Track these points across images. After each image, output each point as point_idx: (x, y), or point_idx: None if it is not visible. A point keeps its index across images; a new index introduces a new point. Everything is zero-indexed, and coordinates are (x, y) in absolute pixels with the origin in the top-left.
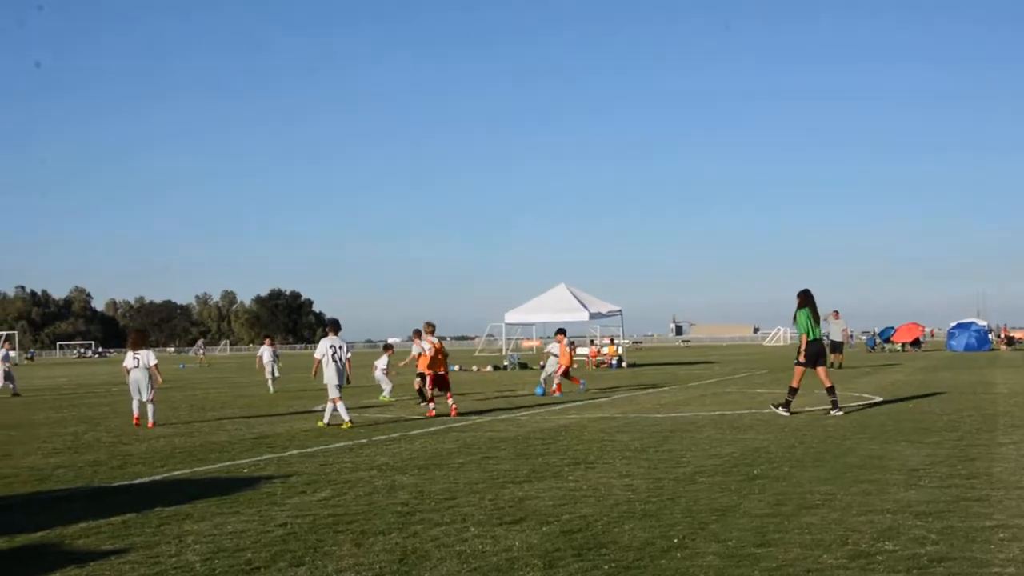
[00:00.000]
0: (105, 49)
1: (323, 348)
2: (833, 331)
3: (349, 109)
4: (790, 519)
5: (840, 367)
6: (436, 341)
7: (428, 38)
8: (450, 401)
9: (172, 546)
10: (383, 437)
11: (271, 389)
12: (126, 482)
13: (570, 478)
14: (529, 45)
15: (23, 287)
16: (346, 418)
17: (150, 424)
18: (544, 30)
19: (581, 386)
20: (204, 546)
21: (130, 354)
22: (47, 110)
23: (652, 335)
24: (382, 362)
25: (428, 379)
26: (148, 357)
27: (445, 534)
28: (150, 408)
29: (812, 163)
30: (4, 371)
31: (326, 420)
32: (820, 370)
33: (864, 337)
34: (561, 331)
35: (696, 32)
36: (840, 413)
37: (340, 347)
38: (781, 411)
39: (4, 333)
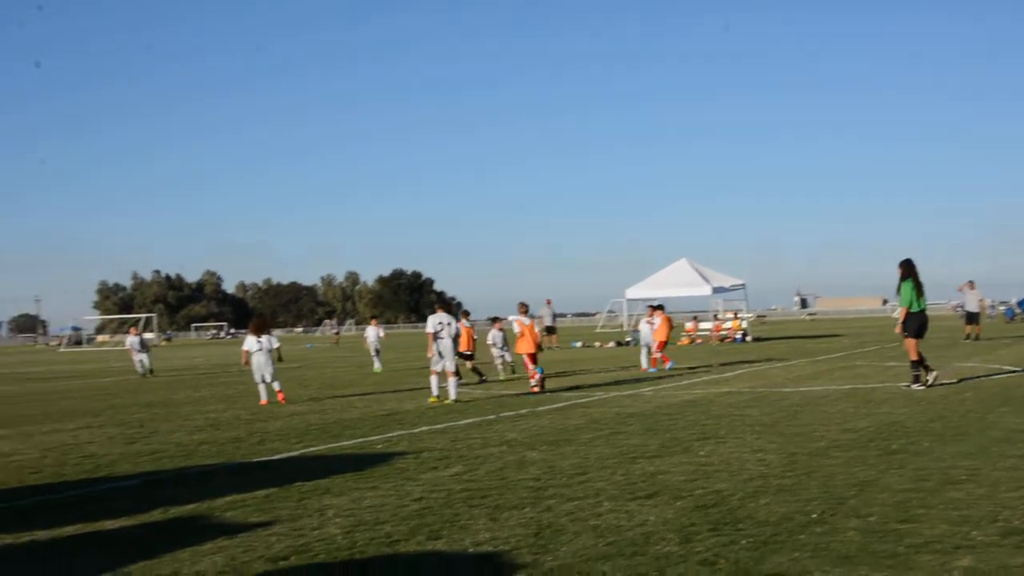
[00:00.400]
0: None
1: (432, 324)
2: (969, 301)
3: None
4: (934, 494)
5: (977, 338)
6: (527, 321)
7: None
8: (533, 376)
9: (314, 519)
10: (510, 413)
11: (377, 367)
12: (266, 458)
13: (701, 453)
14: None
15: (159, 271)
16: (435, 393)
17: (280, 396)
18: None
19: (654, 369)
20: (344, 519)
21: (252, 338)
22: (161, 86)
23: (776, 308)
24: (495, 336)
25: (528, 358)
26: (271, 340)
27: (579, 508)
28: (276, 384)
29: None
30: (141, 357)
31: (452, 396)
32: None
33: (1003, 307)
34: (656, 307)
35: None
36: (921, 388)
37: (448, 324)
38: (916, 387)
39: (144, 317)
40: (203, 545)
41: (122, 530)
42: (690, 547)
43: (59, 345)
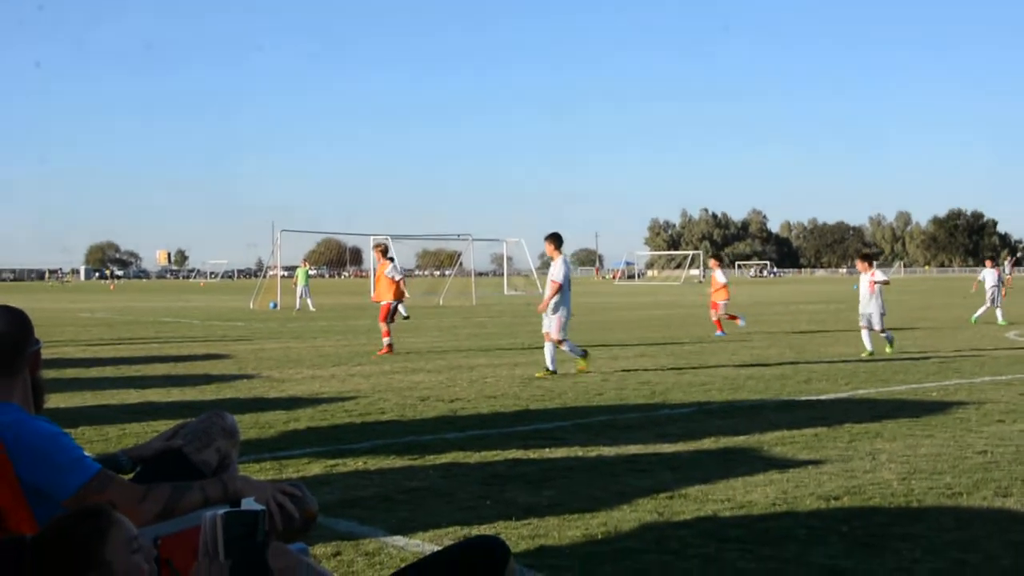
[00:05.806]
0: None
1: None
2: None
3: None
4: None
5: None
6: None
7: None
8: None
9: (866, 462)
10: None
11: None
12: (812, 397)
13: None
14: None
15: (706, 209)
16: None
17: None
18: None
19: None
20: (899, 465)
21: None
22: None
23: None
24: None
25: None
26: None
27: None
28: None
29: None
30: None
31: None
32: None
33: None
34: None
35: None
36: None
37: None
38: None
39: (690, 254)
40: (754, 476)
41: (679, 454)
42: None
43: (613, 279)
